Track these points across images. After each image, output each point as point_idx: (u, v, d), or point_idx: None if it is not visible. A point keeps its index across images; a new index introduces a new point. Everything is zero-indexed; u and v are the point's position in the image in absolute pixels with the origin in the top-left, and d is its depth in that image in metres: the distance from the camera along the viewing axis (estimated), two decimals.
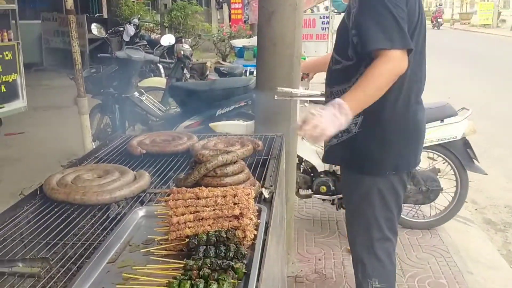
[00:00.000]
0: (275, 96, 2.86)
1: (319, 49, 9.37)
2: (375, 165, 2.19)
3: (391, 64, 1.92)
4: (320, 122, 1.85)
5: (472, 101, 9.83)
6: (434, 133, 3.74)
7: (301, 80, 3.14)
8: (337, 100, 1.91)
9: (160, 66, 7.81)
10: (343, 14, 2.34)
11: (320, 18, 9.43)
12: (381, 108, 2.07)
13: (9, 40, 6.40)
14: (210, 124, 4.41)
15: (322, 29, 9.33)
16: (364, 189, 2.24)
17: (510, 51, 19.56)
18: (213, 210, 1.42)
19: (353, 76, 2.10)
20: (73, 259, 1.43)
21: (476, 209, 4.77)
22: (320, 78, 3.94)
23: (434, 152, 3.97)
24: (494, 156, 6.30)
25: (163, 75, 7.73)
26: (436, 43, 23.42)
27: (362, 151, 2.19)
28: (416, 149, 2.27)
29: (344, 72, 2.16)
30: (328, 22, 9.26)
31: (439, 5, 42.44)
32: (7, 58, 6.32)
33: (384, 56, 1.91)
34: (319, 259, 3.51)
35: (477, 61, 16.45)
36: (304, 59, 8.82)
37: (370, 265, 2.31)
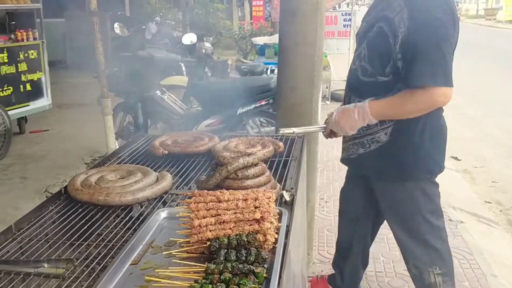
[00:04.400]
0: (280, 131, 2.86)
1: (341, 46, 9.31)
2: (411, 170, 2.26)
3: (431, 102, 2.04)
4: (339, 121, 2.20)
5: (497, 99, 9.68)
6: None
7: None
8: (364, 106, 2.12)
9: (182, 64, 7.86)
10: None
11: (342, 15, 9.34)
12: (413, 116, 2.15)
13: (34, 39, 6.54)
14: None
15: (344, 26, 9.24)
16: (407, 193, 2.32)
17: None
18: (234, 213, 1.43)
19: (388, 91, 2.15)
20: (97, 259, 1.45)
21: (500, 211, 4.69)
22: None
23: None
24: None
25: (184, 73, 7.77)
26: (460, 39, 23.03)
27: (396, 158, 2.24)
28: (444, 152, 2.34)
29: (378, 86, 2.18)
30: (350, 19, 9.18)
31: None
32: (32, 57, 6.45)
33: (427, 92, 2.01)
34: None
35: (502, 57, 16.14)
36: (326, 56, 8.79)
37: (428, 256, 2.38)
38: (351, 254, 2.78)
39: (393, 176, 2.30)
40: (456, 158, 6.14)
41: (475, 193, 4.98)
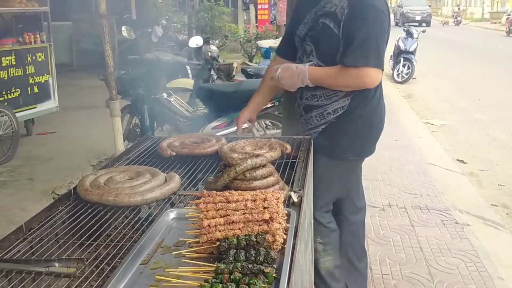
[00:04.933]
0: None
1: None
2: (343, 152, 2.53)
3: (359, 80, 2.29)
4: (282, 77, 2.39)
5: (503, 103, 9.66)
6: None
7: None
8: (304, 70, 2.33)
9: (188, 67, 7.90)
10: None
11: None
12: (360, 104, 2.42)
13: (42, 42, 6.58)
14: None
15: None
16: (328, 171, 2.54)
17: None
18: (243, 214, 1.44)
19: None
20: (107, 259, 1.46)
21: (507, 214, 4.68)
22: None
23: None
24: None
25: (190, 76, 7.81)
26: (464, 42, 23.04)
27: (335, 139, 2.50)
28: (377, 140, 2.62)
29: None
30: None
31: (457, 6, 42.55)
32: (39, 59, 6.49)
33: (358, 71, 2.26)
34: None
35: (507, 61, 16.10)
36: None
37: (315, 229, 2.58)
38: None
39: (326, 154, 2.51)
40: (462, 161, 6.13)
41: (482, 196, 4.97)
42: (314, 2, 2.44)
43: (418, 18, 34.42)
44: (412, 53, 11.79)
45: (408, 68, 11.93)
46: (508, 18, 30.56)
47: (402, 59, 11.85)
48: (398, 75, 12.04)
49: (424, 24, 33.03)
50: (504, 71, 13.81)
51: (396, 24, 31.78)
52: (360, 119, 2.47)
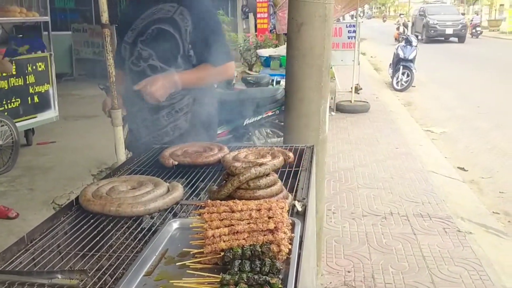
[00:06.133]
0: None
1: (345, 58, 9.34)
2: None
3: (227, 73, 2.63)
4: (155, 90, 2.45)
5: (502, 110, 9.66)
6: None
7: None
8: (176, 81, 2.47)
9: None
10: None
11: (347, 27, 9.39)
12: (200, 95, 2.63)
13: (42, 51, 6.58)
14: None
15: (349, 37, 9.29)
16: None
17: None
18: (248, 223, 1.42)
19: None
20: (110, 271, 1.45)
21: (509, 221, 4.66)
22: None
23: None
24: None
25: None
26: (463, 49, 23.11)
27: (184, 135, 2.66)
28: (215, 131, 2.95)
29: None
30: (354, 31, 9.22)
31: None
32: (40, 69, 6.50)
33: (225, 66, 2.58)
34: (349, 271, 3.48)
35: (506, 68, 16.12)
36: (331, 68, 8.85)
37: None
38: None
39: None
40: (463, 169, 6.12)
41: (483, 204, 4.96)
42: (142, 9, 2.59)
43: (449, 31, 26.46)
44: (411, 61, 11.82)
45: (408, 76, 11.95)
46: (471, 22, 31.45)
47: (401, 67, 11.88)
48: (397, 83, 12.06)
49: (456, 40, 26.86)
50: (504, 79, 13.84)
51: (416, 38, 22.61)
52: (205, 111, 2.68)
